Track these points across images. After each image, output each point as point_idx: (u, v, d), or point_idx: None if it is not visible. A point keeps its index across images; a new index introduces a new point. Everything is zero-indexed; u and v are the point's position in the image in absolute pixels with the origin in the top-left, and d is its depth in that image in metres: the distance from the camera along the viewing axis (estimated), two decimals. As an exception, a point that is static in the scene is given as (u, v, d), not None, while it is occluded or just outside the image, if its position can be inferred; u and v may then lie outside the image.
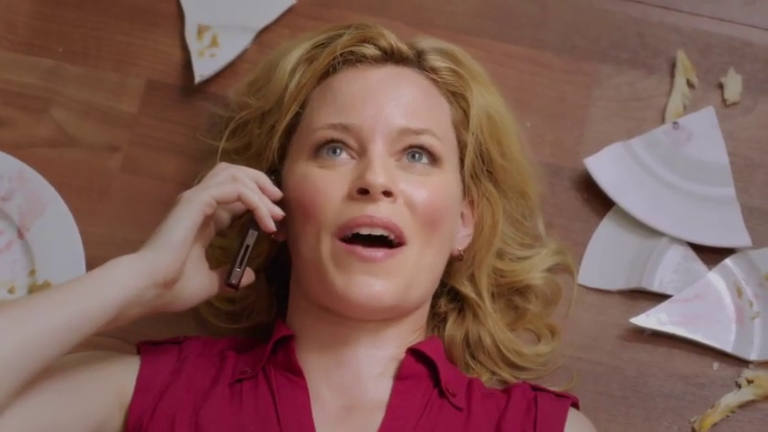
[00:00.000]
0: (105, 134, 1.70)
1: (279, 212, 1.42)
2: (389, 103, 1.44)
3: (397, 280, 1.39)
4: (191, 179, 1.61)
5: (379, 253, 1.39)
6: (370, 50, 1.48)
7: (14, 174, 1.65)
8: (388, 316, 1.43)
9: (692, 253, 1.64)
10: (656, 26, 1.74)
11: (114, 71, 1.72)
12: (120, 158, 1.69)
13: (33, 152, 1.68)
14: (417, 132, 1.44)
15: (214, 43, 1.70)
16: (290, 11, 1.74)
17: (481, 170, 1.51)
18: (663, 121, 1.70)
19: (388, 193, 1.40)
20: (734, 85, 1.71)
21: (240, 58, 1.71)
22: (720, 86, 1.72)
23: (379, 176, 1.39)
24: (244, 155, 1.55)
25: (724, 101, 1.71)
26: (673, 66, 1.72)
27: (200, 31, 1.71)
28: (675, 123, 1.68)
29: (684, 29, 1.74)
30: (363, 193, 1.39)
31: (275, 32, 1.73)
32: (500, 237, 1.53)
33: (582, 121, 1.70)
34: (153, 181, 1.68)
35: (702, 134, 1.68)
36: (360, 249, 1.38)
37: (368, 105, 1.44)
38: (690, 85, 1.71)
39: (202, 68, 1.69)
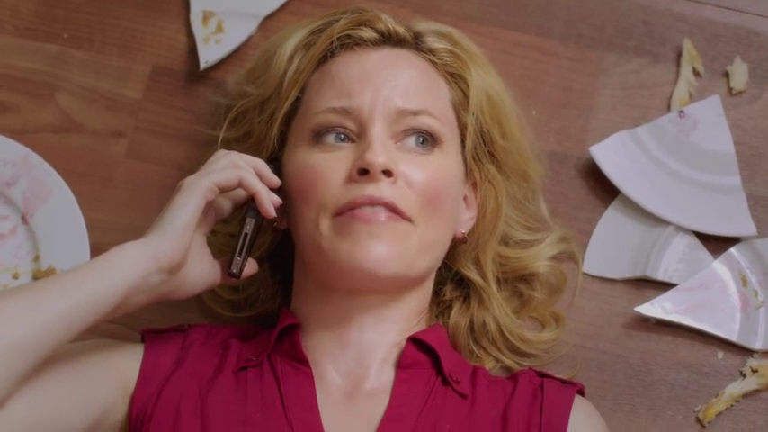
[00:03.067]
0: (110, 120, 1.70)
1: (277, 200, 1.42)
2: (387, 84, 1.44)
3: (398, 247, 1.39)
4: (195, 165, 1.59)
5: (382, 216, 1.38)
6: (367, 33, 1.48)
7: (19, 159, 1.65)
8: (390, 287, 1.43)
9: (697, 242, 1.63)
10: (662, 14, 1.74)
11: (119, 57, 1.72)
12: (124, 144, 1.69)
13: (38, 138, 1.68)
14: (415, 113, 1.44)
15: (219, 29, 1.70)
16: (294, -3, 1.74)
17: (483, 152, 1.51)
18: (668, 109, 1.70)
19: (388, 173, 1.40)
20: (740, 74, 1.71)
21: (245, 44, 1.71)
22: (726, 75, 1.71)
23: (379, 156, 1.39)
24: (244, 144, 1.55)
25: (730, 90, 1.71)
26: (679, 54, 1.72)
27: (206, 17, 1.71)
28: (681, 112, 1.68)
29: (691, 17, 1.73)
30: (363, 173, 1.39)
31: (280, 19, 1.72)
32: (503, 219, 1.53)
33: (587, 110, 1.70)
34: (157, 167, 1.68)
35: (708, 123, 1.67)
36: (361, 212, 1.38)
37: (366, 88, 1.44)
38: (696, 73, 1.71)
39: (207, 55, 1.69)
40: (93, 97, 1.70)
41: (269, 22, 1.72)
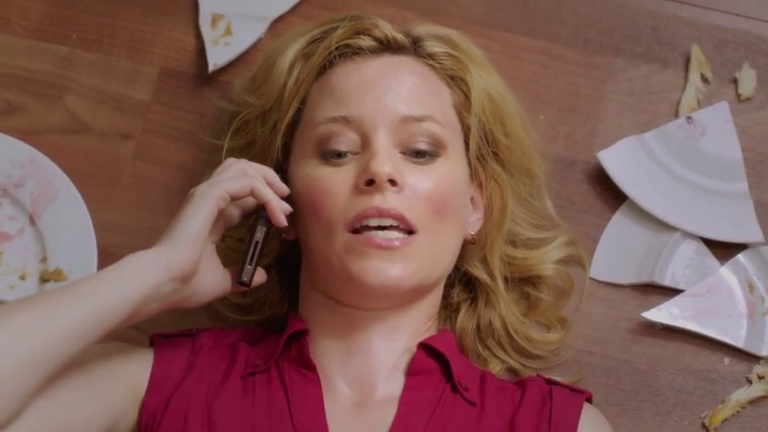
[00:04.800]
0: (118, 122, 1.70)
1: (287, 207, 1.42)
2: (389, 92, 1.44)
3: (414, 264, 1.39)
4: (203, 168, 1.61)
5: (396, 241, 1.39)
6: (365, 42, 1.48)
7: (27, 160, 1.65)
8: (403, 301, 1.43)
9: (704, 248, 1.64)
10: (670, 20, 1.74)
11: (128, 59, 1.72)
12: (132, 146, 1.69)
13: (46, 139, 1.68)
14: (419, 119, 1.44)
15: (228, 32, 1.70)
16: (303, 0, 1.73)
17: (487, 152, 1.51)
18: (677, 115, 1.70)
19: (393, 182, 1.40)
20: (748, 80, 1.71)
21: (254, 47, 1.71)
22: (734, 81, 1.71)
23: (384, 165, 1.39)
24: (248, 153, 1.54)
25: (738, 96, 1.71)
26: (687, 60, 1.72)
27: (215, 19, 1.71)
28: (689, 118, 1.68)
29: (699, 23, 1.73)
30: (369, 183, 1.39)
31: (289, 22, 1.72)
32: (510, 216, 1.53)
33: (595, 115, 1.70)
34: (165, 169, 1.68)
35: (716, 129, 1.68)
36: (377, 239, 1.38)
37: (367, 96, 1.44)
38: (704, 79, 1.71)
39: (216, 57, 1.69)
40: (101, 99, 1.70)
41: (278, 25, 1.72)
